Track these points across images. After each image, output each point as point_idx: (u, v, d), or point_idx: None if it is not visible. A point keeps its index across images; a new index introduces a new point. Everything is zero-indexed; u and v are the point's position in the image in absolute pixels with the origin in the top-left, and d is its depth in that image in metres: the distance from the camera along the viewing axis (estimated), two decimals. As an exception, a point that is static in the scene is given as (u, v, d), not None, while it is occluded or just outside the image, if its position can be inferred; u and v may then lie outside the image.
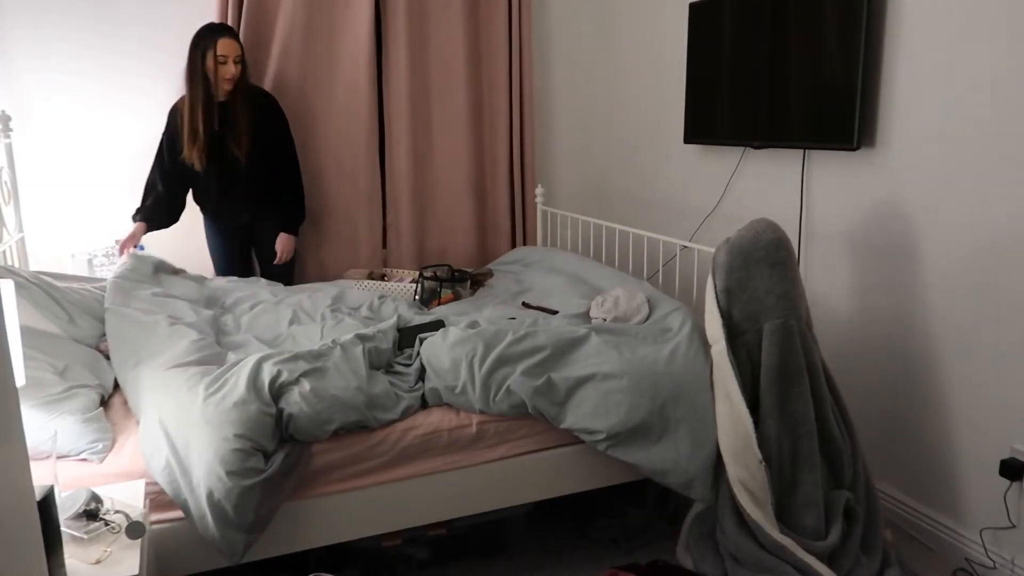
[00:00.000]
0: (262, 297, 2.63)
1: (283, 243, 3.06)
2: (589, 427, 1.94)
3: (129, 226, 2.88)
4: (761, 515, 1.86)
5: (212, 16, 3.07)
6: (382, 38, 3.36)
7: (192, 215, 3.24)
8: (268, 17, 3.20)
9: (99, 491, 1.48)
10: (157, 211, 2.95)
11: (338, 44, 3.29)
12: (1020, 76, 1.87)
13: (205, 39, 2.81)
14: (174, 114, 2.93)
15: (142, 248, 3.11)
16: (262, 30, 3.20)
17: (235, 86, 2.87)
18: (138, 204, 2.97)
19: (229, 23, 3.10)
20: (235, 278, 2.88)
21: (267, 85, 3.21)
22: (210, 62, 2.80)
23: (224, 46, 2.80)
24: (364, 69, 3.28)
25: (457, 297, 2.71)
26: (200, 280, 2.81)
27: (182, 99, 2.90)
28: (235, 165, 2.93)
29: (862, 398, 2.40)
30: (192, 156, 2.86)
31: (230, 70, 2.82)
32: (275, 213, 3.08)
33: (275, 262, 3.07)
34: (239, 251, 3.16)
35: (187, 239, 3.23)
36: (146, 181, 2.97)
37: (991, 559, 2.04)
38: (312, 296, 2.55)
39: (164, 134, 2.95)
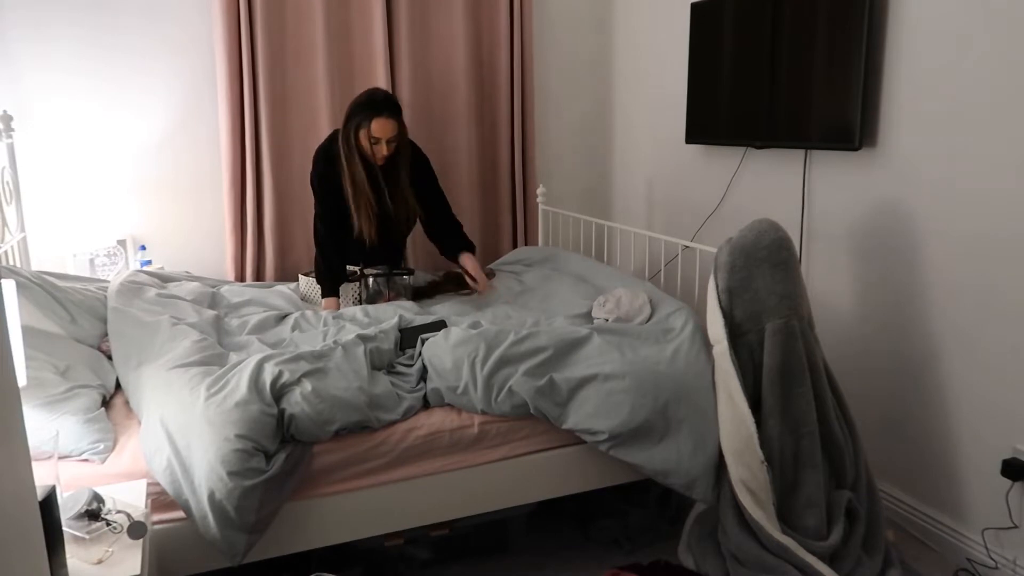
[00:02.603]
0: (268, 301, 2.63)
1: (474, 263, 2.77)
2: (591, 427, 1.94)
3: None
4: (763, 515, 1.86)
5: (215, 15, 3.06)
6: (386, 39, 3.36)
7: (201, 215, 3.25)
8: (285, 20, 3.18)
9: (101, 491, 1.48)
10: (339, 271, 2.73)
11: (356, 48, 3.30)
12: (1021, 75, 1.87)
13: (359, 115, 2.57)
14: (327, 163, 2.68)
15: (146, 263, 3.11)
16: (278, 35, 3.17)
17: (392, 155, 2.67)
18: (315, 272, 2.75)
19: (239, 22, 3.05)
20: (241, 283, 2.87)
21: (286, 89, 3.20)
22: (363, 140, 2.58)
23: (379, 127, 2.54)
24: (381, 71, 3.28)
25: (398, 295, 2.71)
26: (205, 282, 2.81)
27: (335, 152, 2.65)
28: (399, 228, 2.80)
29: (864, 398, 2.40)
30: (365, 231, 2.66)
31: (382, 151, 2.59)
32: (447, 242, 2.87)
33: (480, 290, 2.75)
34: None
35: (199, 241, 3.24)
36: (317, 241, 2.75)
37: (993, 559, 2.04)
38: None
39: (321, 186, 2.70)
